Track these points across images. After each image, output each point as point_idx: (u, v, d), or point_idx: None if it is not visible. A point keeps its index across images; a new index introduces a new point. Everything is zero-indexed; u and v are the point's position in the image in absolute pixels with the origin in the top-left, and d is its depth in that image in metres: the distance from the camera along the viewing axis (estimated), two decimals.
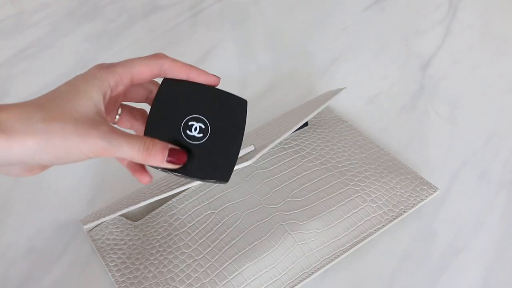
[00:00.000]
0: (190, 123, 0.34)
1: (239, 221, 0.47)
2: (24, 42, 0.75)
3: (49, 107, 0.30)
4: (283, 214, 0.47)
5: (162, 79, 0.35)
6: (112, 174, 0.56)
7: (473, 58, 0.73)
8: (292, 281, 0.45)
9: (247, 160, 0.46)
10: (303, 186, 0.50)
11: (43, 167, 0.33)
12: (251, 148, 0.48)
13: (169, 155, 0.32)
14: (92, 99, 0.32)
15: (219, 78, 0.36)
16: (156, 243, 0.47)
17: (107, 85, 0.33)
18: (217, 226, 0.47)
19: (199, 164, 0.34)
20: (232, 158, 0.34)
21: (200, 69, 0.35)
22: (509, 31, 0.79)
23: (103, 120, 0.32)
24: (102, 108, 0.32)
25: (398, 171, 0.53)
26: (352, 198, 0.49)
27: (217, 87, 0.36)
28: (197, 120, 0.34)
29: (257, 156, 0.47)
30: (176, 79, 0.35)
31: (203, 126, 0.34)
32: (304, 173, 0.51)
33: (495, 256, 0.49)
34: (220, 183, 0.35)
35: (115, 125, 0.36)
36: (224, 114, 0.35)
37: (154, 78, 0.35)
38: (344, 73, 0.70)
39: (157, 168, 0.34)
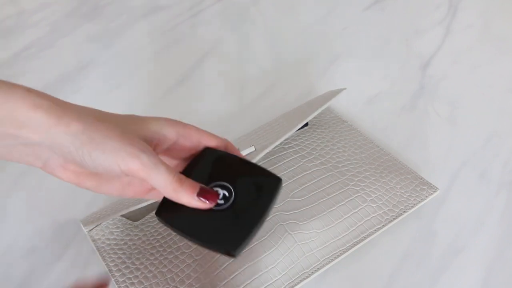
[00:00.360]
0: (215, 189, 0.33)
1: None
2: (24, 42, 0.75)
3: (105, 116, 0.32)
4: (283, 214, 0.47)
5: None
6: None
7: (473, 58, 0.73)
8: (292, 281, 0.45)
9: None
10: (303, 186, 0.50)
11: (75, 173, 0.33)
12: (252, 149, 0.48)
13: (200, 191, 0.32)
14: (148, 128, 0.32)
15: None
16: (156, 243, 0.47)
17: (170, 129, 0.33)
18: None
19: (210, 229, 0.32)
20: (246, 232, 0.32)
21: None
22: (509, 31, 0.79)
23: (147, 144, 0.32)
24: (153, 141, 0.33)
25: (398, 171, 0.53)
26: (352, 198, 0.49)
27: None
28: (223, 187, 0.33)
29: (258, 157, 0.47)
30: (217, 149, 0.35)
31: (227, 195, 0.33)
32: (304, 173, 0.51)
33: (495, 256, 0.49)
34: (227, 255, 0.32)
35: None
36: (254, 188, 0.33)
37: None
38: (344, 73, 0.70)
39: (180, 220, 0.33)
